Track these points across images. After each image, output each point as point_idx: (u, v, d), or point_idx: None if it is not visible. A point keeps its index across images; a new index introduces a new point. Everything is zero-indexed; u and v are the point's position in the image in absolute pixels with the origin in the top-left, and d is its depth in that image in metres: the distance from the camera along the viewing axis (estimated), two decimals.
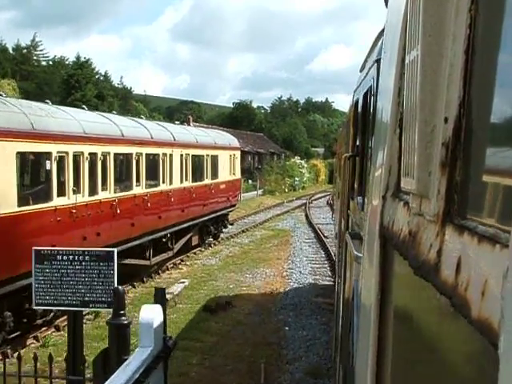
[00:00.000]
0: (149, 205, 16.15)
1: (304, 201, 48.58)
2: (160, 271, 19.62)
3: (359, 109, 6.19)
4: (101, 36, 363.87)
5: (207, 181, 21.73)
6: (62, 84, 57.12)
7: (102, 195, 13.68)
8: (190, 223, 20.89)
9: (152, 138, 16.63)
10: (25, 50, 69.82)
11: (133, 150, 15.44)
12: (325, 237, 27.26)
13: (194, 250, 23.32)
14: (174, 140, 18.42)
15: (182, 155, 18.86)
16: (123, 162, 15.48)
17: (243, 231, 29.99)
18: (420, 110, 1.54)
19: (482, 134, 1.24)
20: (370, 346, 2.38)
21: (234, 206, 26.34)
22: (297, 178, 58.80)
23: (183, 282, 18.37)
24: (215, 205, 23.60)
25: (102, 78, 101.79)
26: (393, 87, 2.37)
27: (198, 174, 21.26)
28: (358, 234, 4.74)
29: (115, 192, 14.36)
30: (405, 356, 1.86)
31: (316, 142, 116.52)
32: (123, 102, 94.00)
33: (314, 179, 71.69)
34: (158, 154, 17.14)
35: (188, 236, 20.97)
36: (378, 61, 4.45)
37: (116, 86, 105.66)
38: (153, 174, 17.16)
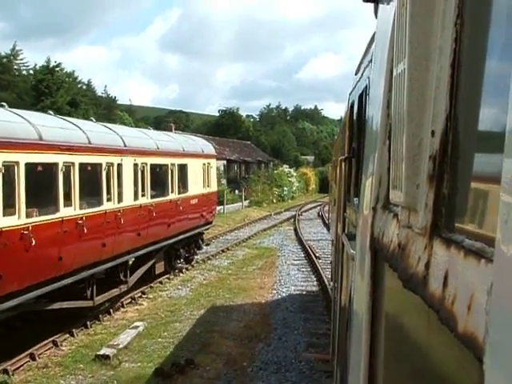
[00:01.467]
0: (85, 230, 11.63)
1: (293, 212, 44.59)
2: (112, 309, 16.41)
3: (355, 111, 6.24)
4: (89, 47, 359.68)
5: (173, 196, 17.36)
6: (31, 90, 52.40)
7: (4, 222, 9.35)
8: (151, 248, 17.65)
9: (90, 142, 12.06)
10: (5, 60, 65.06)
11: (58, 158, 10.92)
12: (316, 257, 24.67)
13: (160, 279, 20.23)
14: (125, 146, 13.85)
15: (136, 165, 14.41)
16: (42, 175, 10.96)
17: (223, 251, 25.60)
18: (407, 123, 1.59)
19: (469, 146, 1.28)
20: (362, 356, 2.45)
21: (209, 223, 22.14)
22: (285, 188, 54.65)
23: (137, 327, 13.71)
24: (185, 224, 20.53)
25: (84, 87, 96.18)
26: (382, 98, 2.41)
27: (159, 187, 16.78)
28: (354, 235, 4.66)
29: (28, 217, 9.91)
30: (395, 366, 1.92)
31: (306, 149, 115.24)
32: (107, 111, 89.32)
33: (304, 188, 67.34)
34: (99, 164, 12.53)
35: (149, 264, 17.92)
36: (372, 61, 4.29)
37: (101, 95, 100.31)
38: (92, 189, 12.62)
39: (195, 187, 20.88)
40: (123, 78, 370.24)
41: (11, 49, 63.11)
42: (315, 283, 19.99)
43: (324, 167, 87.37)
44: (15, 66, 73.79)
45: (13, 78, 69.93)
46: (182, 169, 19.73)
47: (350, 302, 4.77)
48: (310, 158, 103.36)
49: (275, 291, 18.95)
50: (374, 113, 2.77)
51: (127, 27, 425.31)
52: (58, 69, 57.17)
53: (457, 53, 1.34)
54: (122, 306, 17.06)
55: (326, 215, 42.89)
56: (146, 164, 16.55)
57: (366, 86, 4.86)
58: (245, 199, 49.21)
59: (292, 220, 40.57)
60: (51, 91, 52.72)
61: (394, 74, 1.85)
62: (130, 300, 17.69)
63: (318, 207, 51.11)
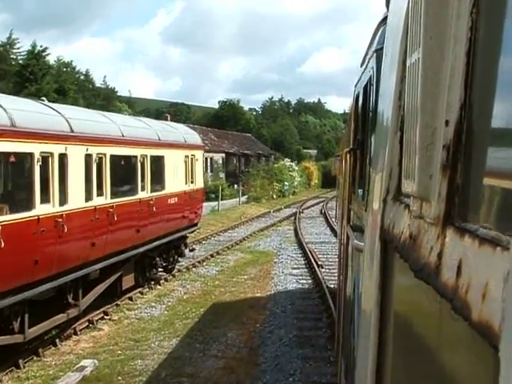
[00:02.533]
0: (2, 244, 7.77)
1: (294, 209, 40.70)
2: (59, 339, 13.03)
3: (360, 102, 6.26)
4: (92, 39, 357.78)
5: (144, 194, 13.61)
6: (15, 76, 48.60)
7: None
8: (113, 260, 14.37)
9: (14, 125, 8.23)
10: (0, 49, 61.45)
11: None
12: (319, 266, 21.40)
13: (131, 294, 16.98)
14: (72, 131, 10.03)
15: (89, 156, 10.61)
16: None
17: (212, 256, 21.83)
18: (421, 112, 1.59)
19: (483, 136, 1.28)
20: (370, 348, 2.43)
21: (194, 225, 18.31)
22: (286, 183, 50.83)
23: (83, 369, 9.84)
24: (160, 227, 17.27)
25: (82, 78, 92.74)
26: (394, 90, 2.42)
27: (125, 184, 12.97)
28: (359, 226, 4.88)
29: None
30: (405, 357, 1.91)
31: (308, 143, 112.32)
32: (106, 102, 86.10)
33: (306, 183, 63.49)
34: (29, 155, 8.71)
35: (112, 279, 15.02)
36: (377, 51, 4.62)
37: (100, 86, 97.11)
38: (18, 188, 8.83)
39: (174, 184, 17.17)
40: (126, 70, 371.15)
41: (7, 37, 59.20)
42: (317, 301, 16.18)
43: (327, 161, 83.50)
44: (12, 56, 70.32)
45: (9, 67, 66.38)
46: (157, 162, 16.03)
47: (354, 293, 4.74)
48: (313, 151, 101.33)
49: (268, 312, 15.26)
50: (385, 104, 2.76)
51: (130, 19, 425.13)
52: (44, 54, 53.14)
53: (472, 42, 1.34)
54: (75, 333, 13.29)
55: (330, 213, 39.31)
56: (105, 155, 12.83)
57: (371, 77, 4.91)
58: (243, 194, 45.43)
59: (292, 218, 37.07)
60: (36, 78, 48.89)
61: (408, 63, 1.85)
62: (86, 324, 13.90)
63: (321, 204, 47.61)
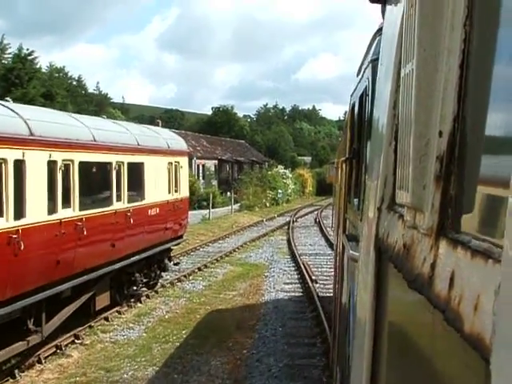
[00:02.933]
0: None
1: (287, 218, 39.04)
2: (21, 369, 11.58)
3: (355, 112, 6.35)
4: (88, 45, 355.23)
5: (120, 205, 12.06)
6: (0, 80, 47.03)
7: None
8: (82, 279, 12.76)
9: None
10: None
11: None
12: (313, 281, 19.95)
13: (108, 313, 15.42)
14: (31, 134, 8.43)
15: (53, 162, 9.00)
16: None
17: (199, 269, 20.23)
18: (415, 123, 1.61)
19: (477, 148, 1.30)
20: (364, 357, 2.47)
21: (178, 237, 16.51)
22: (280, 191, 49.31)
23: None
24: (140, 241, 15.78)
25: (74, 84, 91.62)
26: (388, 100, 2.45)
27: (97, 195, 11.34)
28: (354, 235, 4.95)
29: None
30: (398, 367, 1.93)
31: (303, 150, 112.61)
32: (98, 108, 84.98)
33: (300, 191, 61.95)
34: None
35: (82, 299, 13.45)
36: (372, 61, 4.70)
37: (92, 91, 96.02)
38: None
39: (156, 193, 15.68)
40: (121, 76, 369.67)
41: None
42: (310, 323, 14.63)
43: (322, 168, 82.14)
44: (4, 61, 69.14)
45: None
46: (136, 169, 14.53)
47: (349, 302, 4.78)
48: (308, 158, 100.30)
49: (257, 335, 13.70)
50: (380, 113, 2.83)
51: (126, 26, 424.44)
52: (30, 58, 51.56)
53: (466, 54, 1.36)
54: (39, 361, 11.74)
55: (324, 222, 37.79)
56: (72, 162, 11.34)
57: (366, 87, 4.93)
58: (236, 202, 43.94)
59: (285, 228, 35.60)
60: (22, 82, 47.33)
61: (402, 74, 1.88)
62: (53, 350, 12.35)
63: (315, 212, 46.22)
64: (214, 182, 59.93)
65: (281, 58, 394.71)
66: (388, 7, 3.00)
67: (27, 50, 54.45)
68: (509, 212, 0.91)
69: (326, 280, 19.47)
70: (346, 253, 5.39)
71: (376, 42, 4.66)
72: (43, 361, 12.12)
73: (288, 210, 49.14)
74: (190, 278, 21.14)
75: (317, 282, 19.35)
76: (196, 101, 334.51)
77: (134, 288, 16.58)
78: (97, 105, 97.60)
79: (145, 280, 17.02)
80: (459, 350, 1.10)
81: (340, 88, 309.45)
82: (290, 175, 62.10)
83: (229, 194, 50.88)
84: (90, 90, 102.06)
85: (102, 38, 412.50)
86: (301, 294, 18.38)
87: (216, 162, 61.46)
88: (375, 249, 2.44)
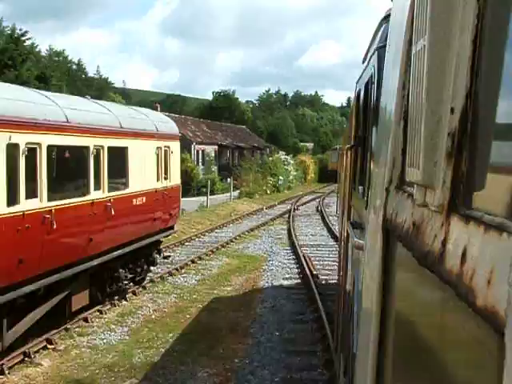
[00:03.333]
0: None
1: (288, 206, 37.54)
2: None
3: (361, 99, 6.36)
4: (90, 30, 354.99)
5: (98, 194, 10.37)
6: None
7: None
8: (55, 277, 11.20)
9: None
10: None
11: None
12: (314, 276, 18.27)
13: (85, 314, 14.05)
14: None
15: (13, 146, 7.45)
16: None
17: (193, 261, 18.59)
18: (426, 99, 1.59)
19: (489, 125, 1.29)
20: (371, 339, 2.44)
21: (169, 229, 14.96)
22: (281, 177, 47.63)
23: None
24: (122, 233, 14.13)
25: (74, 67, 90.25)
26: (397, 80, 2.42)
27: (71, 183, 9.68)
28: (359, 223, 4.95)
29: None
30: (407, 346, 1.89)
31: (305, 136, 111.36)
32: (99, 92, 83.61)
33: (302, 177, 60.37)
34: None
35: (54, 300, 11.87)
36: (378, 49, 4.70)
37: (93, 76, 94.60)
38: None
39: (142, 181, 14.14)
40: (124, 61, 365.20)
41: None
42: (310, 326, 13.09)
43: (324, 155, 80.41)
44: None
45: None
46: (118, 154, 13.00)
47: (354, 290, 4.83)
48: (310, 145, 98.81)
49: (251, 340, 12.16)
50: (388, 95, 2.80)
51: (128, 10, 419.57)
52: (24, 38, 49.74)
53: (479, 29, 1.34)
54: (1, 372, 10.31)
55: (326, 210, 36.27)
56: (39, 145, 9.79)
57: (372, 75, 4.93)
58: (236, 189, 42.44)
59: (286, 216, 34.08)
60: (15, 63, 45.56)
61: (413, 51, 1.85)
62: (21, 357, 10.90)
63: (317, 199, 44.77)
64: (214, 168, 58.40)
65: (283, 44, 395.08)
66: None
67: (20, 30, 52.63)
68: None
69: (329, 275, 17.96)
70: (350, 240, 5.35)
71: (382, 29, 4.62)
72: (6, 371, 10.63)
73: (289, 198, 47.65)
74: (183, 271, 19.64)
75: (318, 278, 17.80)
76: (199, 86, 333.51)
77: (119, 285, 15.03)
78: (97, 89, 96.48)
79: (130, 276, 15.46)
80: (472, 326, 1.09)
81: (342, 74, 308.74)
82: (292, 161, 60.47)
83: (229, 180, 49.31)
84: (91, 75, 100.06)
85: (105, 22, 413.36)
86: (301, 291, 16.82)
87: (216, 147, 59.92)
88: (383, 229, 2.42)
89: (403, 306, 2.05)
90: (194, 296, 16.58)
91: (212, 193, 51.11)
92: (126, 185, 13.87)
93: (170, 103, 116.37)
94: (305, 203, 43.91)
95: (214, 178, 52.66)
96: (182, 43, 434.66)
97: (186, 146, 54.62)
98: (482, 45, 1.33)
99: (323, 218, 33.45)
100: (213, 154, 59.03)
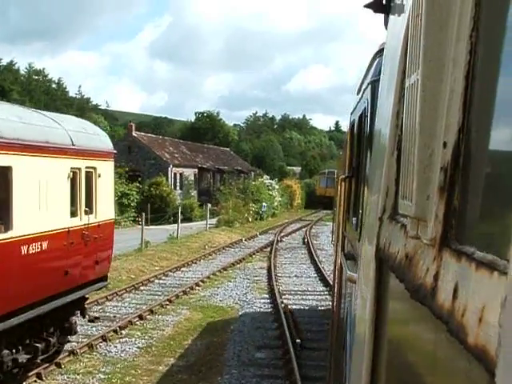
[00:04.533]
0: None
1: (271, 236, 32.28)
2: None
3: (355, 131, 6.41)
4: (79, 52, 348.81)
5: None
6: None
7: None
8: None
9: None
10: None
11: None
12: (301, 347, 13.37)
13: None
14: None
15: None
16: None
17: (141, 317, 13.04)
18: (419, 133, 1.61)
19: (481, 159, 1.31)
20: (363, 369, 2.42)
21: (98, 281, 9.65)
22: (264, 204, 42.76)
23: None
24: (5, 298, 9.13)
25: (54, 86, 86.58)
26: (391, 110, 2.45)
27: None
28: (351, 254, 4.99)
29: None
30: (399, 377, 1.90)
31: (293, 160, 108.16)
32: (79, 112, 78.64)
33: (288, 203, 55.23)
34: None
35: None
36: (371, 83, 4.75)
37: (74, 96, 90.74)
38: None
39: (40, 218, 9.01)
40: (112, 84, 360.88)
41: None
42: None
43: (311, 179, 75.73)
44: None
45: None
46: None
47: (347, 321, 4.83)
48: (297, 169, 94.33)
49: None
50: (382, 124, 2.83)
51: (118, 33, 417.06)
52: None
53: (471, 65, 1.37)
54: None
55: (315, 242, 31.25)
56: None
57: (365, 108, 5.03)
58: (215, 216, 37.51)
59: (267, 250, 28.98)
60: None
61: (407, 84, 1.89)
62: None
63: (304, 229, 40.07)
64: (194, 193, 53.51)
65: (271, 68, 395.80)
66: (391, 17, 3.04)
67: None
68: None
69: (318, 340, 13.05)
70: (343, 273, 5.27)
71: (376, 63, 4.72)
72: None
73: (273, 226, 43.30)
74: (123, 333, 14.76)
75: (303, 348, 12.80)
76: (186, 109, 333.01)
77: (8, 365, 9.89)
78: (78, 109, 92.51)
79: (27, 356, 10.31)
80: (463, 363, 1.09)
81: (330, 99, 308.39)
82: (277, 186, 55.67)
83: (210, 205, 44.37)
84: (72, 95, 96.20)
85: (94, 45, 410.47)
86: (278, 370, 11.77)
87: (196, 170, 55.07)
88: (376, 259, 2.44)
89: (395, 337, 2.05)
90: (127, 379, 11.51)
91: (189, 220, 46.03)
92: (7, 225, 8.86)
93: (155, 125, 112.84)
94: (290, 233, 39.53)
95: (192, 204, 47.80)
96: (171, 66, 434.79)
97: (162, 169, 49.86)
98: (474, 80, 1.36)
99: (310, 253, 28.83)
100: (192, 178, 54.16)
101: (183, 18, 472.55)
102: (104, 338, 14.12)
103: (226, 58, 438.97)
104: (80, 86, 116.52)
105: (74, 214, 11.27)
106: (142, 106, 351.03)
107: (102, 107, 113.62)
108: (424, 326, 1.45)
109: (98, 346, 13.64)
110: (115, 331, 14.72)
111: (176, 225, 34.95)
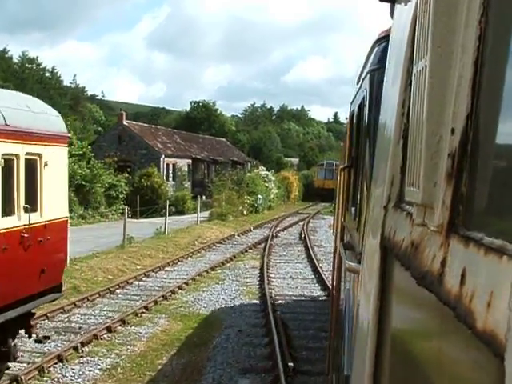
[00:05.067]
0: None
1: (266, 231, 30.01)
2: None
3: (354, 120, 6.43)
4: (78, 43, 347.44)
5: None
6: None
7: None
8: None
9: None
10: None
11: None
12: (295, 371, 10.84)
13: None
14: None
15: None
16: None
17: (109, 329, 10.22)
18: (427, 120, 1.61)
19: (489, 146, 1.31)
20: (367, 358, 2.38)
21: (48, 291, 7.14)
22: (260, 196, 40.46)
23: None
24: None
25: (48, 75, 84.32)
26: (397, 99, 2.42)
27: None
28: (351, 244, 4.94)
29: None
30: (404, 369, 1.87)
31: (291, 151, 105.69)
32: (73, 102, 77.14)
33: (285, 196, 53.02)
34: None
35: None
36: (370, 72, 4.67)
37: (69, 85, 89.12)
38: None
39: None
40: (112, 74, 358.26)
41: None
42: None
43: (309, 171, 73.41)
44: None
45: None
46: None
47: (345, 310, 4.83)
48: (295, 160, 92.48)
49: None
50: (387, 113, 2.80)
51: (116, 24, 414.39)
52: None
53: (480, 51, 1.35)
54: None
55: (312, 238, 28.99)
56: None
57: (364, 97, 5.07)
58: (208, 208, 35.43)
59: (261, 246, 26.63)
60: None
61: (414, 71, 1.86)
62: None
63: (301, 223, 37.73)
64: (187, 184, 51.12)
65: (270, 60, 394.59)
66: (397, 6, 3.03)
67: None
68: None
69: (315, 363, 10.79)
70: (342, 263, 5.31)
71: (375, 51, 4.68)
72: None
73: (268, 220, 41.07)
74: (86, 349, 12.31)
75: (297, 372, 10.54)
76: (185, 100, 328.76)
77: None
78: (72, 98, 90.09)
79: None
80: (470, 348, 1.09)
81: (329, 90, 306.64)
82: (273, 178, 53.15)
83: (204, 197, 42.13)
84: (66, 84, 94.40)
85: (93, 36, 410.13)
86: None
87: (190, 161, 52.64)
88: (381, 248, 2.42)
89: (402, 326, 2.04)
90: None
91: (182, 213, 43.72)
92: None
93: (151, 116, 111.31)
94: (286, 227, 37.35)
95: (185, 196, 45.39)
96: (169, 57, 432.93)
97: (153, 160, 47.46)
98: (483, 66, 1.36)
99: (307, 250, 26.43)
100: (186, 169, 51.74)
101: (182, 8, 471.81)
102: (60, 358, 11.80)
103: (225, 50, 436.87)
104: (75, 76, 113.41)
105: (7, 212, 8.92)
106: (140, 97, 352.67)
107: (99, 97, 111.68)
108: (430, 312, 1.45)
109: (50, 369, 11.34)
110: (75, 348, 12.41)
111: (170, 217, 32.68)
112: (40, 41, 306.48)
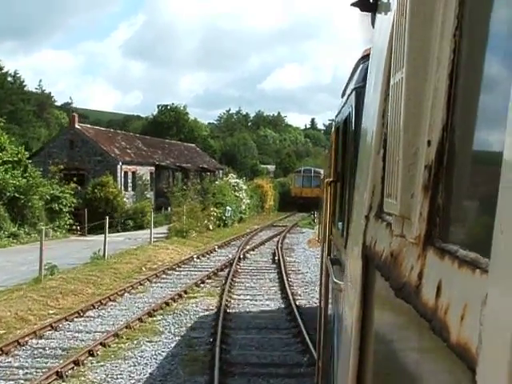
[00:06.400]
0: None
1: (234, 250, 23.30)
2: None
3: (340, 135, 6.58)
4: (53, 51, 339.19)
5: None
6: None
7: None
8: None
9: None
10: None
11: None
12: None
13: None
14: None
15: None
16: None
17: None
18: (403, 132, 1.64)
19: (465, 157, 1.36)
20: (350, 367, 2.41)
21: None
22: (229, 208, 34.32)
23: None
24: None
25: (10, 80, 77.90)
26: (377, 108, 2.46)
27: None
28: (337, 259, 4.95)
29: None
30: (385, 378, 1.93)
31: (267, 158, 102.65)
32: (38, 108, 70.74)
33: (259, 206, 46.86)
34: None
35: None
36: (355, 89, 4.79)
37: (34, 91, 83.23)
38: None
39: None
40: (87, 83, 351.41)
41: None
42: None
43: (286, 178, 67.53)
44: None
45: None
46: None
47: (334, 325, 4.88)
48: (271, 167, 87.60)
49: None
50: (368, 123, 2.84)
51: (92, 32, 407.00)
52: None
53: (455, 64, 1.38)
54: None
55: (288, 259, 22.97)
56: None
57: (349, 114, 5.14)
58: (154, 225, 29.52)
59: (224, 273, 20.43)
60: None
61: (392, 82, 1.92)
62: None
63: (275, 238, 31.37)
64: (150, 194, 44.91)
65: (247, 67, 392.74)
66: (378, 16, 3.04)
67: None
68: (496, 222, 0.94)
69: None
70: (329, 280, 5.24)
71: (360, 68, 4.82)
72: None
73: (238, 236, 35.34)
74: None
75: None
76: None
77: None
78: (37, 105, 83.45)
79: None
80: (446, 360, 1.12)
81: (306, 97, 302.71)
82: (245, 186, 47.02)
83: (168, 210, 36.25)
84: (31, 89, 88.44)
85: (69, 44, 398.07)
86: None
87: (153, 168, 46.48)
88: (362, 257, 2.45)
89: (383, 335, 2.06)
90: None
91: (141, 227, 37.32)
92: None
93: (123, 123, 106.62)
94: (257, 246, 31.42)
95: (145, 208, 39.08)
96: (145, 65, 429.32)
97: (109, 167, 41.31)
98: (458, 79, 1.40)
99: (281, 280, 20.03)
100: (148, 177, 45.56)
101: (158, 16, 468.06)
102: None
103: (201, 57, 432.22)
104: (40, 81, 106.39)
105: None
106: (115, 105, 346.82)
107: (74, 106, 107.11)
108: (409, 323, 1.48)
109: None
110: None
111: (127, 232, 26.44)
112: (14, 49, 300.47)
